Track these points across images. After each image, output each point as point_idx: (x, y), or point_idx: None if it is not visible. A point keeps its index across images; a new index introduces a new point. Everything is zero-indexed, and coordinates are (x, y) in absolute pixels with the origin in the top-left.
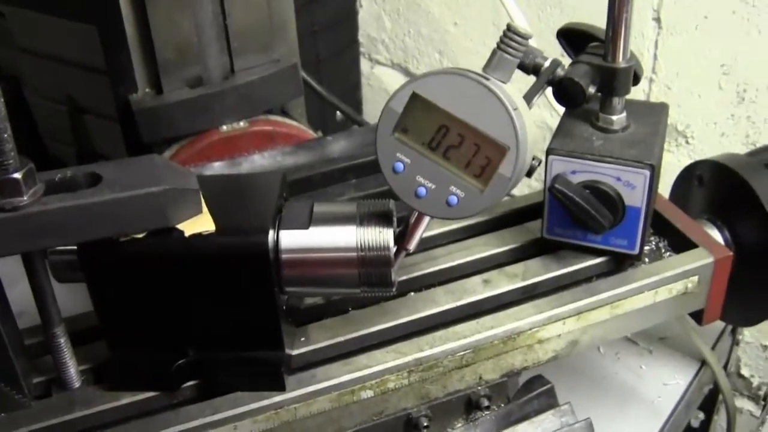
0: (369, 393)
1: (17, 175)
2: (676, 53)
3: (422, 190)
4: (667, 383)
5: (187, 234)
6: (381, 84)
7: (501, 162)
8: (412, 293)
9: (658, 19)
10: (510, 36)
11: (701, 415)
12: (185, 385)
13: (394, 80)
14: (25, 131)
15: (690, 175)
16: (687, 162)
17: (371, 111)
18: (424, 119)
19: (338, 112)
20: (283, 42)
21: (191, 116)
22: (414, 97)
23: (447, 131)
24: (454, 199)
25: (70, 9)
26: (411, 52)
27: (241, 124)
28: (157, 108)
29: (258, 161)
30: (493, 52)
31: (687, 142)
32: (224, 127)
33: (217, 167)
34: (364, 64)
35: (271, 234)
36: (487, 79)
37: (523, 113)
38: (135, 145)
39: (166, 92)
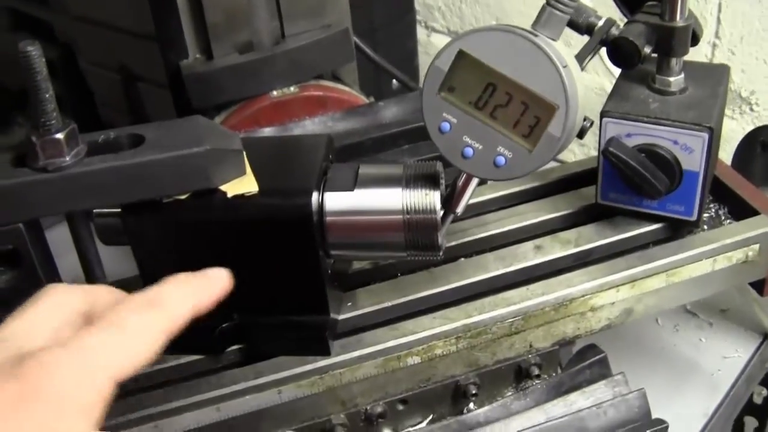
0: (416, 359)
1: (59, 136)
2: (741, 17)
3: (469, 151)
4: (727, 356)
5: (230, 195)
6: None
7: (550, 121)
8: (462, 259)
9: None
10: None
11: (764, 392)
12: (229, 349)
13: None
14: (80, 100)
15: (753, 141)
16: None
17: None
18: (470, 77)
19: (394, 80)
20: (334, 7)
21: (241, 82)
22: (460, 54)
23: (494, 89)
24: (501, 160)
25: None
26: (467, 19)
27: (292, 89)
28: (207, 73)
29: (309, 126)
30: (543, 8)
31: (752, 109)
32: (275, 93)
33: (267, 133)
34: (421, 32)
35: (315, 196)
36: (536, 35)
37: (573, 72)
38: (186, 112)
39: (216, 58)
